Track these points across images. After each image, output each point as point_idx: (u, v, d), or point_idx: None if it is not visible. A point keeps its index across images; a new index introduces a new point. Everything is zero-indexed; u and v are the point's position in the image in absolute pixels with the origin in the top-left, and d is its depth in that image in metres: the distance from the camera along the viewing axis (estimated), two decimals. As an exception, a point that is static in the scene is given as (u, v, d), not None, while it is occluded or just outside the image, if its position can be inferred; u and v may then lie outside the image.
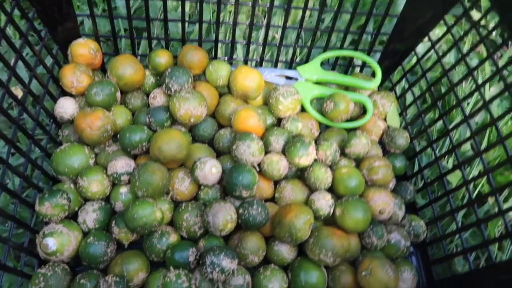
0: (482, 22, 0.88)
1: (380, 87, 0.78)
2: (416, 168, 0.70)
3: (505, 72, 0.56)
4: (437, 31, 0.81)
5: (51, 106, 0.65)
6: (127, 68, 0.65)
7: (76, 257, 0.54)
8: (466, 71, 0.60)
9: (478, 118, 0.76)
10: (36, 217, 0.59)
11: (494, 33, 0.89)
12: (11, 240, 0.49)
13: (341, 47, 0.75)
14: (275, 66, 0.76)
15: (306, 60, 0.75)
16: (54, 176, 0.60)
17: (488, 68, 0.80)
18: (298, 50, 0.82)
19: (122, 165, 0.56)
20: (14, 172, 0.53)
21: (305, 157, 0.59)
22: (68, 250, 0.52)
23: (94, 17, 0.67)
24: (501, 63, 0.80)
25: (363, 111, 0.72)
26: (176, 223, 0.56)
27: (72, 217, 0.57)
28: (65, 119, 0.62)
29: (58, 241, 0.51)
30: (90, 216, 0.55)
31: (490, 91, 0.77)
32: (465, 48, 0.82)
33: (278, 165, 0.59)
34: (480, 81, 0.58)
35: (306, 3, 0.66)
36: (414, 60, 0.70)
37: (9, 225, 0.51)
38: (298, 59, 0.81)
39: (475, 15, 0.87)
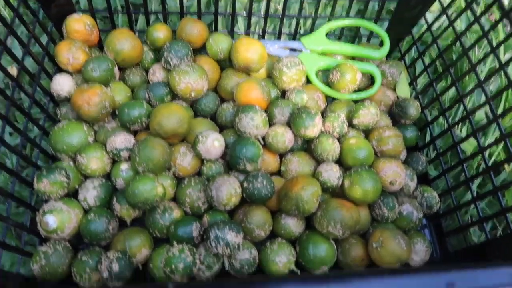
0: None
1: (389, 57, 0.75)
2: (427, 138, 0.67)
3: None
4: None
5: (48, 85, 0.63)
6: (124, 43, 0.62)
7: (78, 235, 0.52)
8: (477, 38, 0.56)
9: (493, 87, 0.73)
10: (37, 196, 0.58)
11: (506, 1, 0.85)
12: (10, 219, 0.48)
13: (347, 16, 0.71)
14: (278, 38, 0.74)
15: (311, 31, 0.72)
16: (53, 155, 0.58)
17: (502, 34, 0.76)
18: (301, 21, 0.79)
19: (121, 140, 0.54)
20: (11, 150, 0.52)
21: (311, 128, 0.56)
22: (69, 227, 0.50)
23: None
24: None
25: (371, 81, 0.69)
26: (179, 199, 0.54)
27: (73, 195, 0.56)
28: (62, 97, 0.60)
29: (59, 219, 0.49)
30: (91, 193, 0.53)
31: (505, 57, 0.74)
32: (478, 12, 0.79)
33: (283, 137, 0.56)
34: (494, 45, 0.55)
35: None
36: (424, 28, 0.67)
37: (8, 203, 0.49)
38: (302, 31, 0.78)
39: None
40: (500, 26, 0.76)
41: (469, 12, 0.59)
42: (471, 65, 0.57)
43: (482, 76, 0.72)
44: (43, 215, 0.49)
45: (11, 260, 0.53)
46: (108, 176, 0.57)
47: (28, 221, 0.52)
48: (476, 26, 0.75)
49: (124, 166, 0.55)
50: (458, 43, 0.71)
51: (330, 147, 0.56)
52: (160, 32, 0.66)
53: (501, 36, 0.77)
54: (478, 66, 0.64)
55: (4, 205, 0.59)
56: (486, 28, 0.55)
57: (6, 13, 0.75)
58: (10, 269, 0.52)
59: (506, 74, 0.52)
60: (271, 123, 0.60)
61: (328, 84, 0.66)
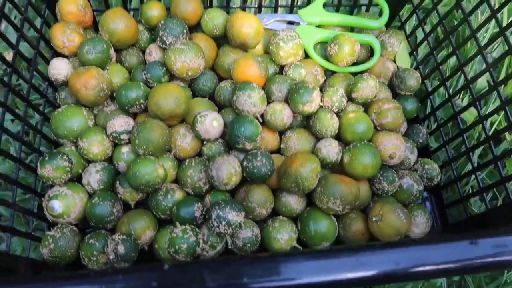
0: None
1: (388, 26, 0.74)
2: (428, 109, 0.66)
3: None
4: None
5: (46, 69, 0.63)
6: (118, 23, 0.61)
7: (85, 219, 0.53)
8: (479, 2, 0.55)
9: (496, 53, 0.71)
10: (42, 182, 0.59)
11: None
12: (17, 205, 0.49)
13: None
14: (275, 11, 0.72)
15: (308, 3, 0.71)
16: (56, 140, 0.59)
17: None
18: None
19: (120, 123, 0.55)
20: (13, 138, 0.52)
21: (309, 103, 0.56)
22: (75, 212, 0.51)
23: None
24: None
25: (371, 53, 0.68)
26: (180, 180, 0.55)
27: (77, 180, 0.57)
28: (60, 81, 0.60)
29: (64, 203, 0.51)
30: (94, 177, 0.54)
31: (510, 20, 0.71)
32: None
33: (282, 114, 0.56)
34: (496, 7, 0.53)
35: None
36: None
37: (14, 190, 0.50)
38: (299, 2, 0.76)
39: None
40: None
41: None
42: (471, 31, 0.56)
43: (484, 42, 0.70)
44: (48, 200, 0.51)
45: (22, 245, 0.55)
46: (110, 160, 0.57)
47: (35, 206, 0.54)
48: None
49: (125, 149, 0.55)
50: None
51: (328, 123, 0.56)
52: (154, 10, 0.65)
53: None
54: (480, 32, 0.62)
55: (11, 192, 0.60)
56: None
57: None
58: (22, 253, 0.54)
59: (506, 39, 0.51)
60: (269, 100, 0.60)
61: (327, 57, 0.65)
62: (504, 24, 0.71)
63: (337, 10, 0.72)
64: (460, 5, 0.58)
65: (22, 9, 0.59)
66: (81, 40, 0.61)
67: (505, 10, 0.71)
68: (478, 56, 0.56)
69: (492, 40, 0.54)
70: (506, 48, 0.50)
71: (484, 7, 0.74)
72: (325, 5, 0.69)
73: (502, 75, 0.66)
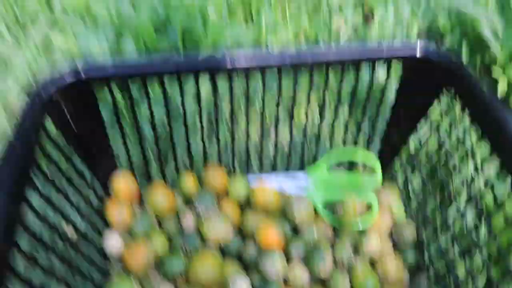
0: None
1: (384, 175, 0.86)
2: (427, 257, 0.75)
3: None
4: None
5: (97, 239, 0.74)
6: (160, 197, 0.75)
7: None
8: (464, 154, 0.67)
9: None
10: None
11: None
12: None
13: (344, 144, 0.84)
14: (287, 169, 0.87)
15: (314, 159, 0.85)
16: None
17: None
18: (306, 154, 0.91)
19: (166, 294, 0.65)
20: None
21: (322, 264, 0.67)
22: None
23: (128, 149, 0.78)
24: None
25: (372, 204, 0.80)
26: None
27: None
28: (113, 253, 0.72)
29: None
30: None
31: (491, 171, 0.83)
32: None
33: (301, 277, 0.67)
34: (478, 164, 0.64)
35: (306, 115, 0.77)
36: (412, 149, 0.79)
37: None
38: (306, 160, 0.91)
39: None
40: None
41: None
42: (452, 192, 0.68)
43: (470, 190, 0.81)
44: None
45: None
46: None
47: None
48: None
49: (170, 318, 0.65)
50: (444, 160, 0.81)
51: (341, 283, 0.66)
52: (189, 183, 0.79)
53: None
54: (465, 183, 0.74)
55: None
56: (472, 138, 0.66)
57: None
58: None
59: (483, 204, 0.62)
60: (288, 257, 0.70)
61: (334, 215, 0.77)
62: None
63: (338, 166, 0.86)
64: (438, 170, 0.71)
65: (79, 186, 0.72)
66: (131, 215, 0.74)
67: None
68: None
69: (473, 196, 0.65)
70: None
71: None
72: (328, 168, 0.83)
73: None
